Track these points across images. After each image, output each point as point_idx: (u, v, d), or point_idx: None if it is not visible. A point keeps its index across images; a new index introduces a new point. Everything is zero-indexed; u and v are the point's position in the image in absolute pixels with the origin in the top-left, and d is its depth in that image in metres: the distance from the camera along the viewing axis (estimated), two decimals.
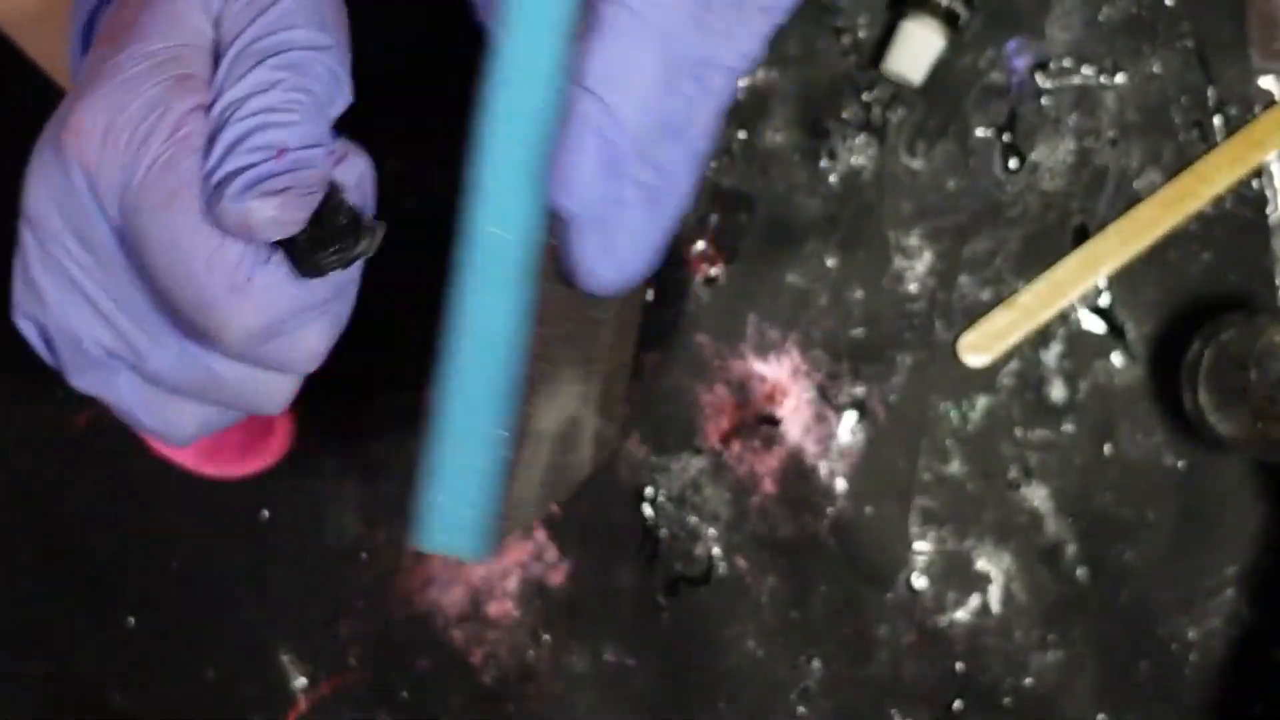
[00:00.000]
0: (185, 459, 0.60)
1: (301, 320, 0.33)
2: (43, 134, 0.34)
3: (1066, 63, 0.60)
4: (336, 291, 0.34)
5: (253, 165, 0.31)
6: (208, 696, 0.61)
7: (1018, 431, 0.60)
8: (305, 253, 0.32)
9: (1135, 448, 0.60)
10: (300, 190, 0.32)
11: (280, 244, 0.32)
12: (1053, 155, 0.60)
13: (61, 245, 0.33)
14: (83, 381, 0.35)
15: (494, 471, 0.33)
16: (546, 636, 0.60)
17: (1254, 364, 0.56)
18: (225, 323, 0.32)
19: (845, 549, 0.60)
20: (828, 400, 0.60)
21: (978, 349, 0.60)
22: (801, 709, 0.60)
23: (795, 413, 0.60)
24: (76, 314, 0.34)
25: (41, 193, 0.33)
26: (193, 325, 0.33)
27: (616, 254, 0.35)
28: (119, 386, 0.35)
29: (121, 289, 0.33)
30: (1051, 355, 0.60)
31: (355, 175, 0.34)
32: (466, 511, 0.33)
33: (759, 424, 0.60)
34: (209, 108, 0.32)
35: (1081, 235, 0.60)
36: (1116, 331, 0.60)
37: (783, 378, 0.60)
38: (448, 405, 0.33)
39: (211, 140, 0.32)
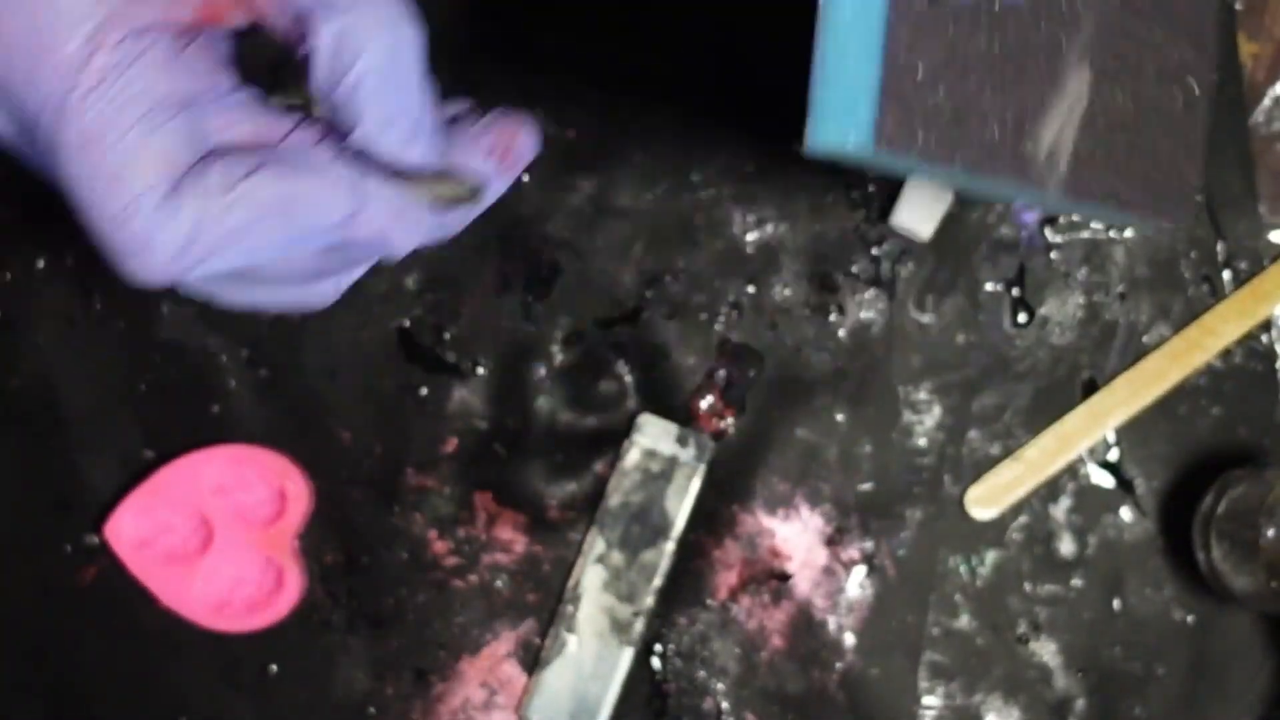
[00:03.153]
0: (194, 614, 0.60)
1: (200, 266, 0.33)
2: None
3: (1076, 217, 0.60)
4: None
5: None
6: None
7: (1027, 586, 0.60)
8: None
9: (1144, 602, 0.60)
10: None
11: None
12: (1062, 310, 0.60)
13: None
14: None
15: (873, 71, 0.31)
16: None
17: (1265, 518, 0.56)
18: (125, 266, 0.32)
19: (854, 704, 0.60)
20: (836, 555, 0.60)
21: (984, 502, 0.60)
22: None
23: (804, 567, 0.60)
24: None
25: None
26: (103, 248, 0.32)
27: None
28: None
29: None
30: (1061, 509, 0.60)
31: None
32: (852, 106, 0.31)
33: (768, 578, 0.60)
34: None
35: (1090, 389, 0.60)
36: (1126, 486, 0.60)
37: (791, 532, 0.60)
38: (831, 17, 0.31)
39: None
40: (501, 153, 0.36)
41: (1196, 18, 0.44)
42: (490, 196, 0.37)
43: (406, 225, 0.34)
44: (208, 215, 0.32)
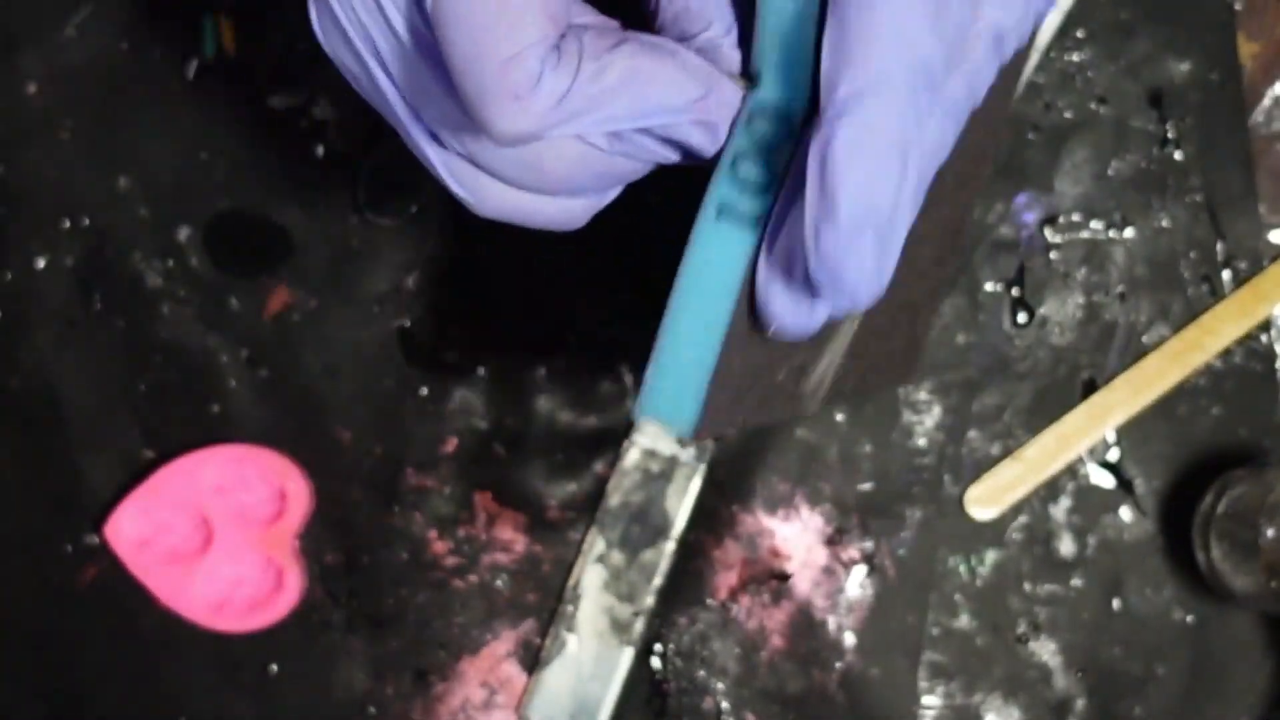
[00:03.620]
0: (194, 613, 0.60)
1: (557, 143, 0.35)
2: None
3: (1075, 217, 0.60)
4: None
5: None
6: None
7: (1026, 586, 0.60)
8: None
9: (1144, 602, 0.60)
10: None
11: None
12: (1062, 309, 0.60)
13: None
14: None
15: (707, 370, 0.35)
16: None
17: (1265, 518, 0.56)
18: (498, 114, 0.33)
19: (854, 704, 0.60)
20: (836, 555, 0.60)
21: (984, 502, 0.60)
22: None
23: (804, 567, 0.60)
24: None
25: None
26: (468, 113, 0.34)
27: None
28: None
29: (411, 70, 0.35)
30: (1060, 509, 0.60)
31: None
32: (681, 396, 0.35)
33: (768, 578, 0.60)
34: None
35: (1090, 389, 0.60)
36: (1126, 486, 0.60)
37: (791, 532, 0.60)
38: (678, 307, 0.35)
39: None
40: None
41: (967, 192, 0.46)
42: None
43: (724, 117, 0.36)
44: (584, 73, 0.33)
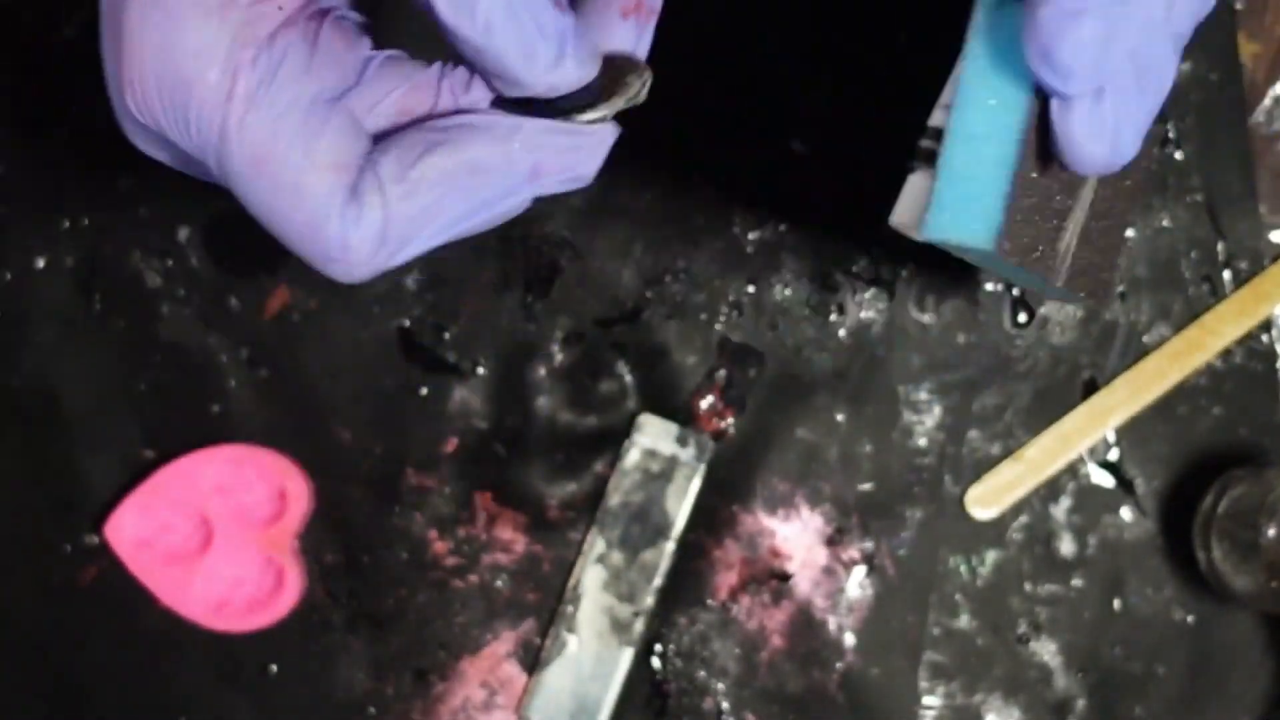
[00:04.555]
0: (194, 613, 0.60)
1: (396, 257, 0.34)
2: (103, 52, 0.33)
3: None
4: None
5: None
6: None
7: (1027, 586, 0.60)
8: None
9: (1145, 602, 0.60)
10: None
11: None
12: (1062, 309, 0.60)
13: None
14: None
15: (1009, 166, 0.34)
16: None
17: (1265, 518, 0.56)
18: (328, 273, 0.32)
19: (854, 704, 0.60)
20: (837, 555, 0.60)
21: (984, 502, 0.60)
22: None
23: (804, 567, 0.60)
24: None
25: (130, 125, 0.33)
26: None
27: (1107, 132, 0.33)
28: None
29: None
30: (1061, 510, 0.60)
31: None
32: (981, 199, 0.34)
33: (768, 578, 0.60)
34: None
35: (1091, 389, 0.60)
36: (1126, 486, 0.60)
37: (791, 532, 0.60)
38: (969, 98, 0.33)
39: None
40: (634, 6, 0.34)
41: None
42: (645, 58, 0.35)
43: (591, 152, 0.33)
44: (394, 205, 0.32)
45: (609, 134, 0.33)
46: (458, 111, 0.33)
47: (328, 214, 0.31)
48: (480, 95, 0.33)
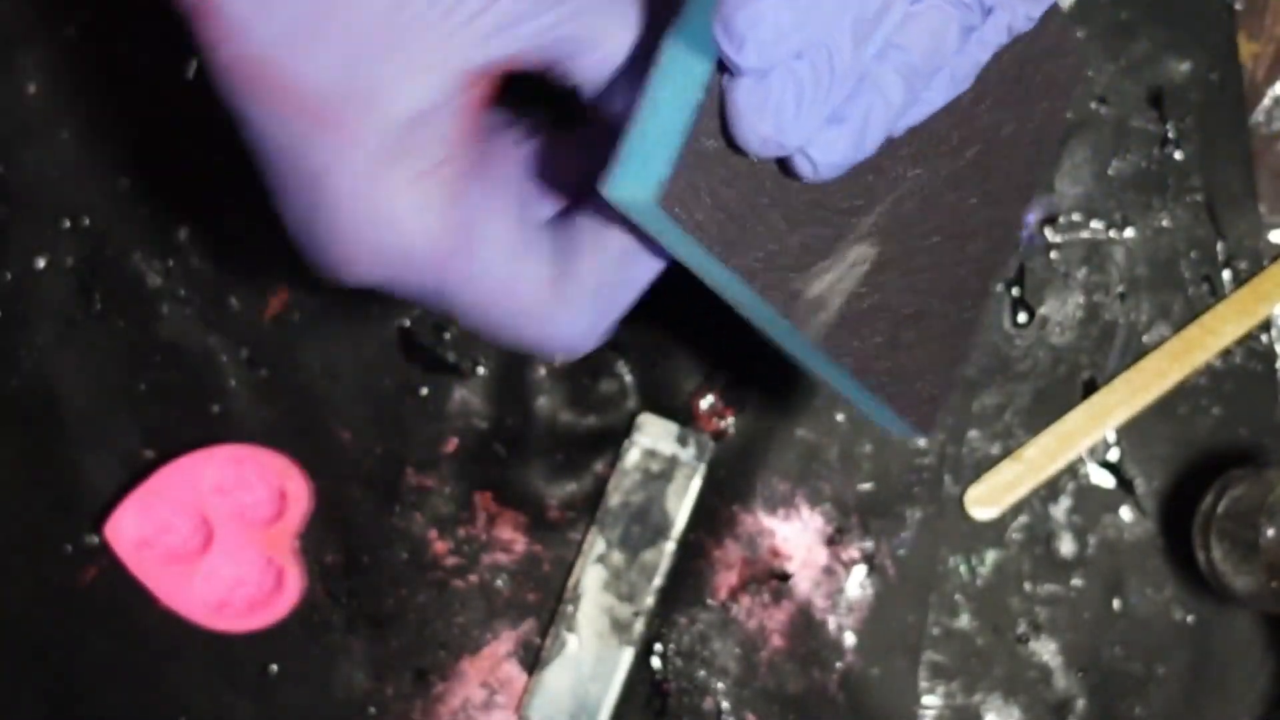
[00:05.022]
0: (194, 613, 0.60)
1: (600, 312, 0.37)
2: (290, 230, 0.36)
3: (1076, 217, 0.60)
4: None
5: None
6: None
7: (1027, 586, 0.60)
8: None
9: (1145, 602, 0.60)
10: None
11: None
12: (1062, 309, 0.60)
13: None
14: None
15: (680, 132, 0.33)
16: None
17: (1265, 518, 0.56)
18: (548, 350, 0.37)
19: (854, 703, 0.60)
20: (837, 555, 0.60)
21: (984, 502, 0.60)
22: None
23: (804, 567, 0.60)
24: None
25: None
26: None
27: (769, 110, 0.33)
28: None
29: None
30: (1061, 509, 0.60)
31: None
32: (652, 159, 0.33)
33: (768, 578, 0.60)
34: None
35: (1090, 389, 0.60)
36: (1126, 486, 0.60)
37: (792, 532, 0.60)
38: (658, 75, 0.33)
39: None
40: None
41: (1020, 193, 0.44)
42: None
43: None
44: (600, 294, 0.36)
45: None
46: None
47: (540, 312, 0.35)
48: None
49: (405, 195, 0.33)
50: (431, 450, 0.61)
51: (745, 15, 0.31)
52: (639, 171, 0.33)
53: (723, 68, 0.33)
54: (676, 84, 0.33)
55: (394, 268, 0.34)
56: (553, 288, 0.35)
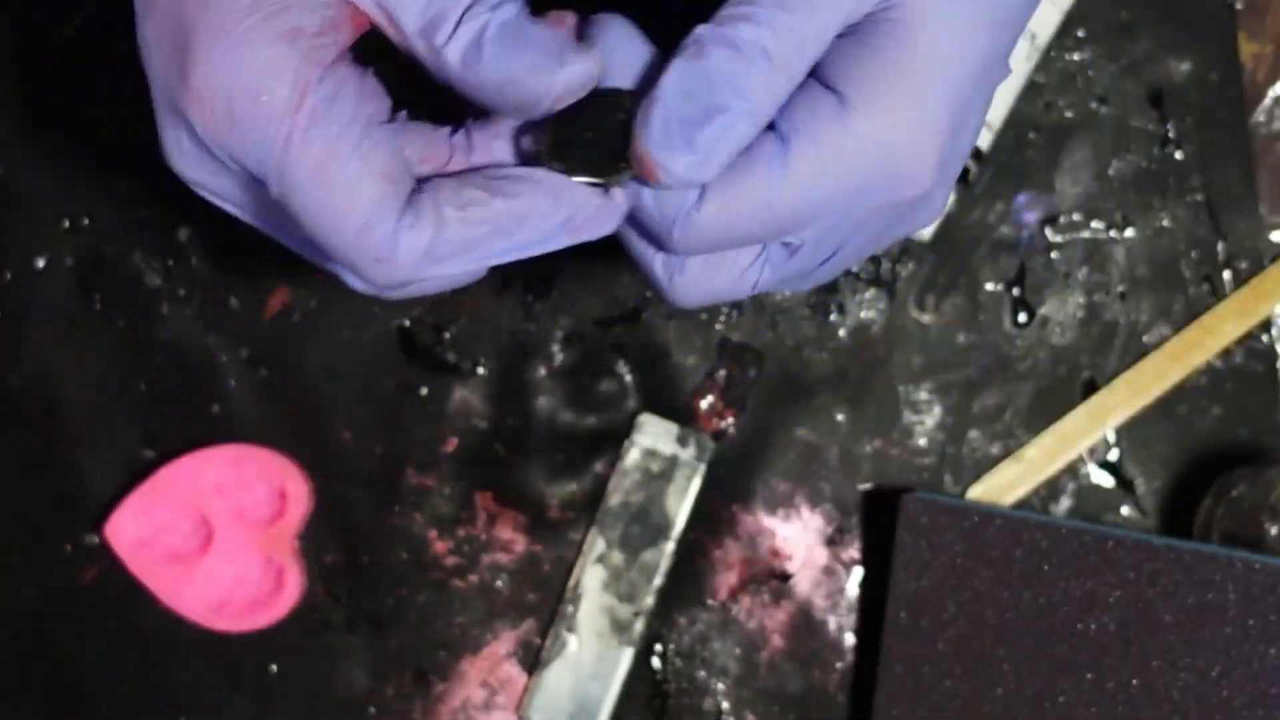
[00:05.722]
0: (194, 613, 0.60)
1: (433, 270, 0.36)
2: (155, 82, 0.35)
3: (1076, 217, 0.60)
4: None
5: None
6: None
7: None
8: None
9: None
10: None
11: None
12: (1062, 309, 0.60)
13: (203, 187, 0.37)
14: None
15: None
16: None
17: (1267, 518, 0.56)
18: (368, 275, 0.35)
19: (854, 703, 0.60)
20: (837, 555, 0.60)
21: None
22: None
23: (804, 567, 0.60)
24: None
25: (171, 143, 0.37)
26: (337, 263, 0.36)
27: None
28: None
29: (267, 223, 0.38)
30: (1061, 510, 0.60)
31: None
32: None
33: (768, 578, 0.60)
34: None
35: (1090, 389, 0.60)
36: (1126, 486, 0.60)
37: (792, 532, 0.60)
38: None
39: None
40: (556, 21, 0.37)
41: None
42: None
43: (614, 212, 0.36)
44: (447, 226, 0.35)
45: (624, 199, 0.36)
46: (496, 164, 0.37)
47: (382, 217, 0.34)
48: (501, 153, 0.37)
49: (265, 48, 0.33)
50: (431, 450, 0.61)
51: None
52: None
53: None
54: None
55: (240, 121, 0.33)
56: (400, 206, 0.34)
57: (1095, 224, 0.60)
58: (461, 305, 0.61)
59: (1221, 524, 0.57)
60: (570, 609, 0.60)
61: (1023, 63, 0.58)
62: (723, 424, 0.60)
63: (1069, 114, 0.60)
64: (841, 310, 0.60)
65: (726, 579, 0.60)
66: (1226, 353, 0.60)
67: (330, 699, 0.60)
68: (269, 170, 0.34)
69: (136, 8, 0.36)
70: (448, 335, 0.61)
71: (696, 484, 0.59)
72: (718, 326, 0.60)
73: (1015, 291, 0.60)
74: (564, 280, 0.61)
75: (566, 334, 0.61)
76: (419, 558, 0.61)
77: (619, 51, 0.36)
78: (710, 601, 0.60)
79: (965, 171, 0.58)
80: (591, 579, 0.59)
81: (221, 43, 0.33)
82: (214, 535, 0.60)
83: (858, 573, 0.60)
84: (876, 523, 0.60)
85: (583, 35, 0.36)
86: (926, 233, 0.59)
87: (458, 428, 0.61)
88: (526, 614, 0.60)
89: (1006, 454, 0.60)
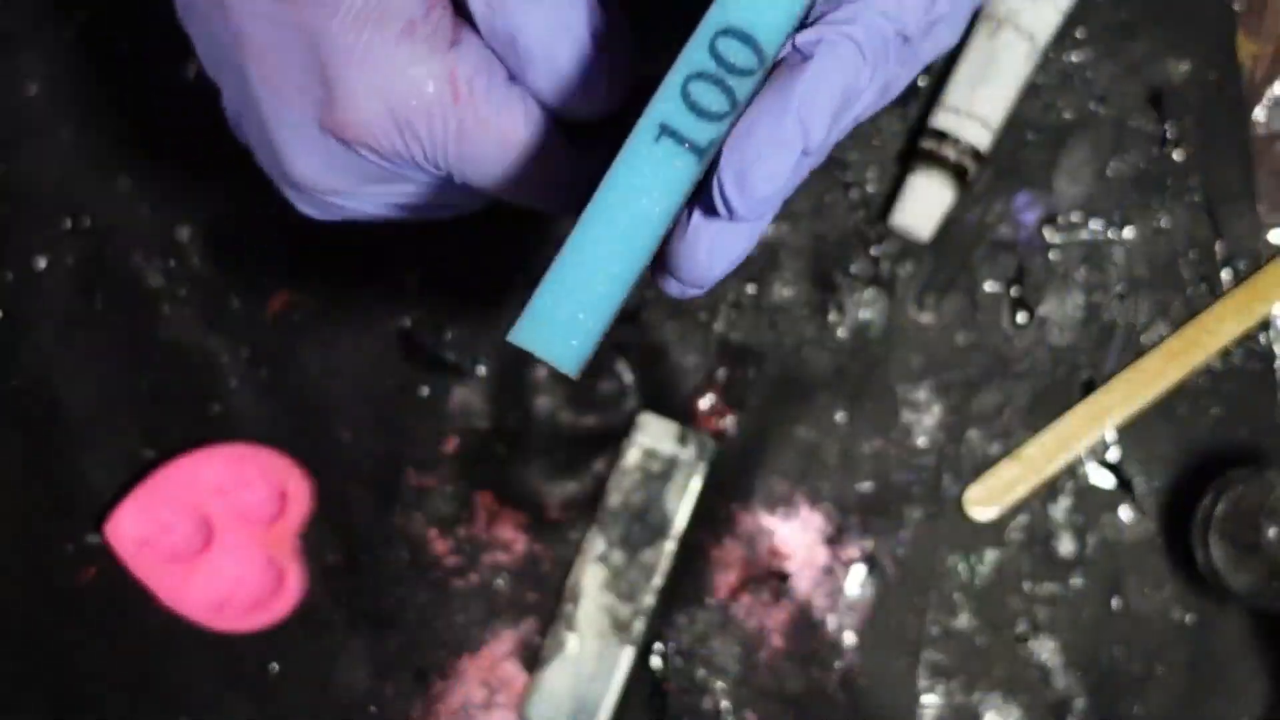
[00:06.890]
0: (194, 613, 0.60)
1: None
2: (283, 114, 0.36)
3: (1075, 217, 0.60)
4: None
5: None
6: None
7: (1026, 585, 0.60)
8: None
9: (1144, 601, 0.60)
10: None
11: None
12: (1061, 309, 0.60)
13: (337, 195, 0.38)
14: None
15: (612, 307, 0.32)
16: None
17: (1266, 518, 0.56)
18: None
19: (854, 703, 0.60)
20: (836, 554, 0.60)
21: (983, 502, 0.60)
22: None
23: (804, 567, 0.60)
24: None
25: (316, 163, 0.37)
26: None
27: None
28: None
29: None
30: (1060, 509, 0.60)
31: None
32: (573, 330, 0.32)
33: (767, 577, 0.60)
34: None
35: (1089, 389, 0.60)
36: (1126, 486, 0.60)
37: (791, 532, 0.60)
38: (593, 230, 0.31)
39: None
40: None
41: None
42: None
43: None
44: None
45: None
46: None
47: (554, 144, 0.36)
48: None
49: (398, 48, 0.34)
50: (431, 450, 0.61)
51: (763, 171, 0.31)
52: (560, 335, 0.31)
53: (689, 208, 0.32)
54: (624, 225, 0.31)
55: (405, 114, 0.34)
56: (546, 133, 0.35)
57: (1094, 224, 0.60)
58: (462, 305, 0.61)
59: (1221, 524, 0.57)
60: (570, 608, 0.60)
61: (1023, 63, 0.59)
62: (723, 424, 0.60)
63: (1068, 114, 0.60)
64: (841, 310, 0.60)
65: (726, 578, 0.60)
66: (1226, 353, 0.60)
67: (330, 699, 0.60)
68: (441, 160, 0.35)
69: (234, 49, 0.36)
70: (448, 335, 0.61)
71: (696, 484, 0.59)
72: (717, 326, 0.60)
73: (1014, 291, 0.60)
74: None
75: None
76: (419, 558, 0.61)
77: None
78: (710, 601, 0.60)
79: (964, 171, 0.58)
80: (591, 578, 0.60)
81: (353, 60, 0.34)
82: (214, 535, 0.60)
83: (857, 572, 0.60)
84: (876, 523, 0.60)
85: None
86: (925, 232, 0.59)
87: (458, 428, 0.61)
88: (526, 614, 0.60)
89: (1006, 454, 0.60)
